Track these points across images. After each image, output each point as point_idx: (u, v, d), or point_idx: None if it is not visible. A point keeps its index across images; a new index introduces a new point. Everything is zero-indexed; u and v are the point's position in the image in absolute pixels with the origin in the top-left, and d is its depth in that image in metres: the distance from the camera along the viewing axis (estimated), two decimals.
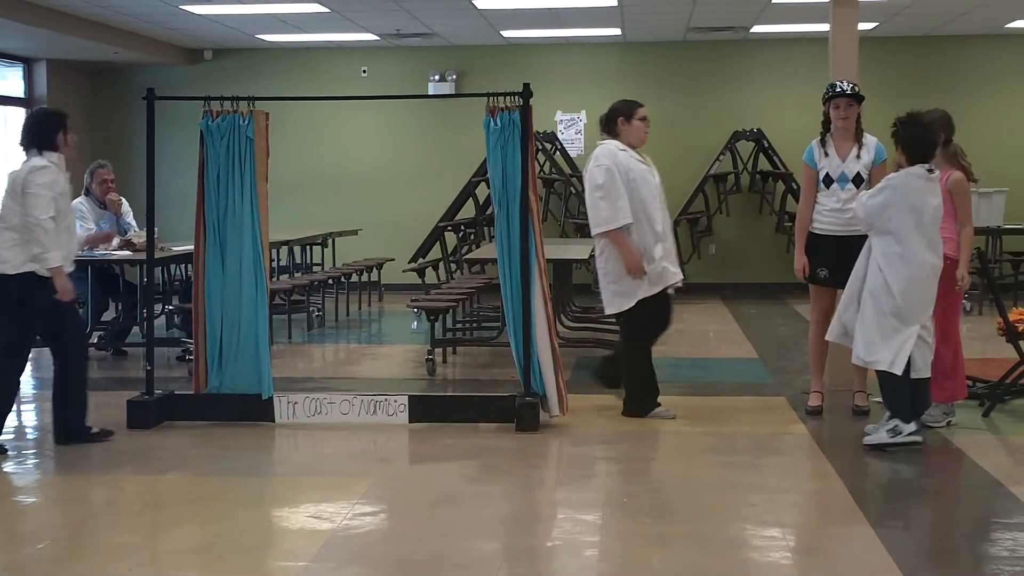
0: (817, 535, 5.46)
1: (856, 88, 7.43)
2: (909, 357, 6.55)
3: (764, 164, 15.09)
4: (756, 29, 14.48)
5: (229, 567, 4.88)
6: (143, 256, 8.47)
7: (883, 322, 6.58)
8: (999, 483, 6.06)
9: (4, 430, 6.89)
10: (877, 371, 6.69)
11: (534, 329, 7.14)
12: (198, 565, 4.91)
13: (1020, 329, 7.57)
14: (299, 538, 5.24)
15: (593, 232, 7.42)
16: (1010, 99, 15.13)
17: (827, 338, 7.12)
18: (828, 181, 7.47)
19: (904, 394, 6.63)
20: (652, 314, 7.48)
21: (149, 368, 7.50)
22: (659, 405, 7.55)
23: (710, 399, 7.88)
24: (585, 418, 7.54)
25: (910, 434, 6.58)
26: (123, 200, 10.48)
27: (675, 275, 7.48)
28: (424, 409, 7.38)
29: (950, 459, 6.60)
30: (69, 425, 6.93)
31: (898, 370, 6.55)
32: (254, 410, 7.39)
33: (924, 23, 14.25)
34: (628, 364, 7.61)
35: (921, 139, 6.62)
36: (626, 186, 7.28)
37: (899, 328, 6.54)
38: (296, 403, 7.38)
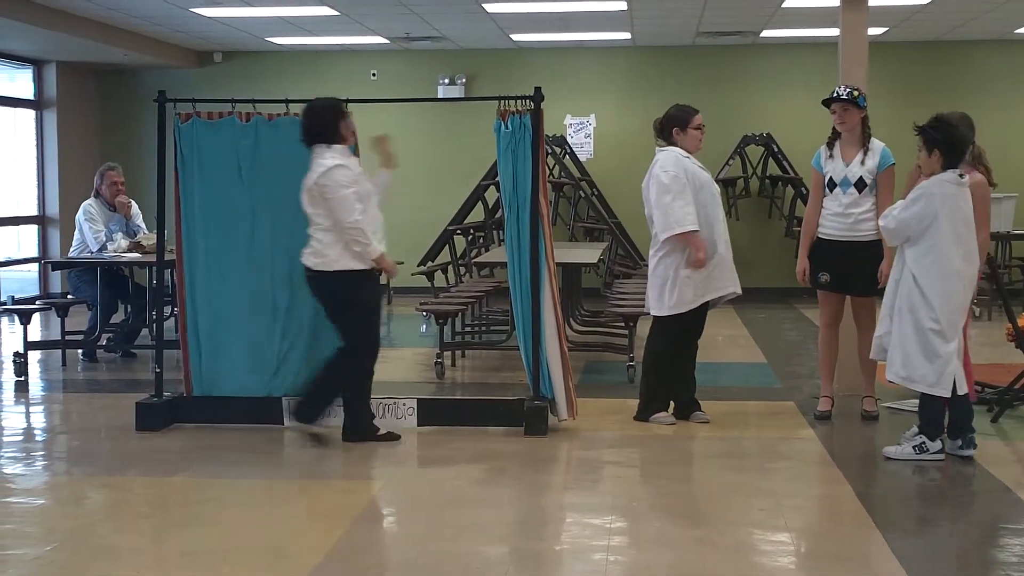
0: (825, 540, 5.44)
1: (855, 93, 7.39)
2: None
3: (773, 169, 15.07)
4: (766, 34, 14.47)
5: (237, 570, 4.89)
6: (152, 258, 8.49)
7: (922, 338, 6.42)
8: (1008, 489, 6.05)
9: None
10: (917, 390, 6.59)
11: (544, 333, 7.14)
12: (206, 568, 4.91)
13: None
14: (307, 541, 5.24)
15: (664, 235, 7.31)
16: (1020, 105, 15.09)
17: (872, 357, 6.99)
18: (831, 185, 7.45)
19: (941, 414, 6.55)
20: (687, 323, 7.48)
21: (158, 371, 7.51)
22: (663, 412, 7.54)
23: (719, 403, 7.87)
24: (594, 422, 7.54)
25: (935, 452, 6.53)
26: (132, 202, 10.51)
27: (724, 288, 7.45)
28: (433, 412, 7.39)
29: (959, 464, 6.57)
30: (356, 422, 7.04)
31: (945, 392, 6.45)
32: (263, 413, 7.39)
33: (934, 28, 14.23)
34: (646, 365, 7.61)
35: (957, 139, 6.51)
36: (692, 193, 7.28)
37: (941, 345, 6.40)
38: None
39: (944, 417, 6.57)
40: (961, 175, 6.49)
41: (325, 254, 6.78)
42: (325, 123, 6.90)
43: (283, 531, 5.43)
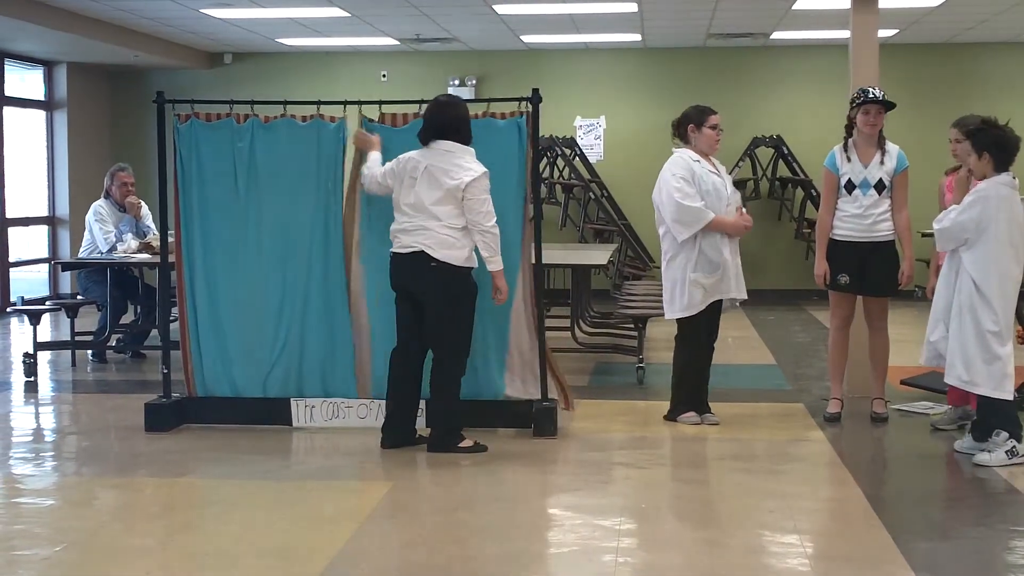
0: (835, 542, 5.44)
1: (885, 95, 7.40)
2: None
3: (783, 171, 15.05)
4: (776, 36, 14.45)
5: (245, 571, 4.89)
6: None
7: (984, 342, 6.42)
8: (1016, 490, 6.03)
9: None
10: (978, 394, 6.57)
11: (509, 330, 7.21)
12: (214, 569, 4.92)
13: None
14: (316, 543, 5.24)
15: (683, 236, 7.32)
16: None
17: (923, 363, 6.96)
18: (851, 187, 7.44)
19: (1014, 412, 6.54)
20: (704, 323, 7.49)
21: (166, 371, 7.53)
22: (691, 413, 7.54)
23: (729, 405, 7.86)
24: (603, 423, 7.54)
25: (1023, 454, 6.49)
26: (143, 203, 10.52)
27: (729, 292, 7.44)
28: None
29: (967, 466, 6.55)
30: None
31: (1008, 395, 6.45)
32: (271, 414, 7.40)
33: (944, 30, 14.20)
34: (676, 368, 7.63)
35: (1005, 140, 6.51)
36: (700, 195, 7.30)
37: (999, 348, 6.40)
38: (314, 407, 7.38)
39: (1016, 413, 6.54)
40: (1014, 177, 6.50)
41: (456, 248, 6.68)
42: (465, 121, 6.82)
43: (292, 533, 5.42)
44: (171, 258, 7.58)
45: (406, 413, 6.93)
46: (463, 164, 6.71)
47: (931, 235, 6.81)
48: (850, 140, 7.49)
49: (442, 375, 6.81)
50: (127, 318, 10.61)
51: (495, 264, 6.73)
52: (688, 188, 7.25)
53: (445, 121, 6.77)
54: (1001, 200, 6.42)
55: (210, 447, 7.04)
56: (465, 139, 6.78)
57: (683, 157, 7.40)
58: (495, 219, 6.68)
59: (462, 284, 6.75)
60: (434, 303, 6.75)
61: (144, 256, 9.85)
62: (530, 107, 7.23)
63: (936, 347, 6.70)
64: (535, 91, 7.22)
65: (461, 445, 6.80)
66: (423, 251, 6.67)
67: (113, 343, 10.27)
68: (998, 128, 6.55)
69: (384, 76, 15.82)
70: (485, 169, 6.69)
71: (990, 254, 6.42)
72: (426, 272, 6.69)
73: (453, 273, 6.69)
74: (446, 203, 6.67)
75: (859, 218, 7.42)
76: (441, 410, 6.84)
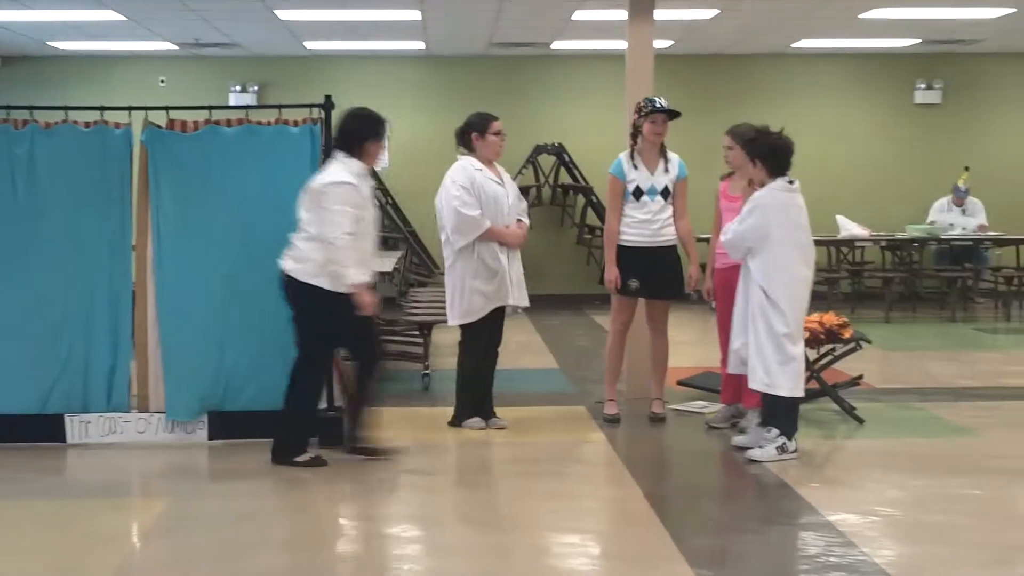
0: (615, 541, 5.57)
1: (670, 105, 7.60)
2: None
3: (565, 177, 15.33)
4: (556, 45, 14.72)
5: None
6: None
7: (777, 344, 6.60)
8: (787, 484, 6.28)
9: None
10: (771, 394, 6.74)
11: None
12: None
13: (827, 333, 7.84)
14: (93, 562, 5.08)
15: (460, 244, 7.36)
16: (796, 115, 15.71)
17: (730, 371, 7.10)
18: (638, 193, 7.61)
19: (796, 413, 6.76)
20: (486, 330, 7.55)
21: None
22: (476, 419, 7.61)
23: (513, 409, 7.95)
24: (389, 431, 7.51)
25: (793, 451, 6.72)
26: None
27: (509, 298, 7.51)
28: (224, 425, 7.23)
29: (736, 462, 6.80)
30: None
31: (800, 394, 6.68)
32: (44, 430, 7.12)
33: (716, 42, 14.74)
34: (459, 375, 7.66)
35: (776, 147, 6.71)
36: (480, 204, 7.34)
37: (792, 349, 6.61)
38: (89, 423, 7.15)
39: (796, 414, 6.78)
40: (791, 181, 6.71)
41: (304, 262, 6.48)
42: (356, 133, 6.62)
43: (67, 553, 5.24)
44: None
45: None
46: (333, 168, 6.56)
47: (707, 240, 7.02)
48: (635, 148, 7.67)
49: (289, 386, 6.73)
50: None
51: (349, 277, 6.42)
52: (467, 197, 7.32)
53: (338, 127, 6.72)
54: (779, 205, 6.65)
55: None
56: (351, 150, 6.61)
57: (465, 166, 7.47)
58: (344, 233, 6.39)
59: (310, 304, 6.56)
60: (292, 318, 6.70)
61: None
62: (323, 114, 7.17)
63: (739, 354, 6.89)
64: (328, 98, 7.17)
65: (298, 459, 6.65)
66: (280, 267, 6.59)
67: None
68: (771, 136, 6.78)
69: (163, 81, 15.44)
70: (352, 180, 6.48)
71: (774, 259, 6.63)
72: (283, 287, 6.63)
73: (299, 289, 6.55)
74: (307, 209, 6.54)
75: (646, 224, 7.61)
76: (283, 420, 6.73)
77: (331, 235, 6.39)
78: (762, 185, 6.75)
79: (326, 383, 7.11)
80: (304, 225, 6.54)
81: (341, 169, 6.54)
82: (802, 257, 6.71)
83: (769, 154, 6.71)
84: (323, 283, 6.47)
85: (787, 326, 6.61)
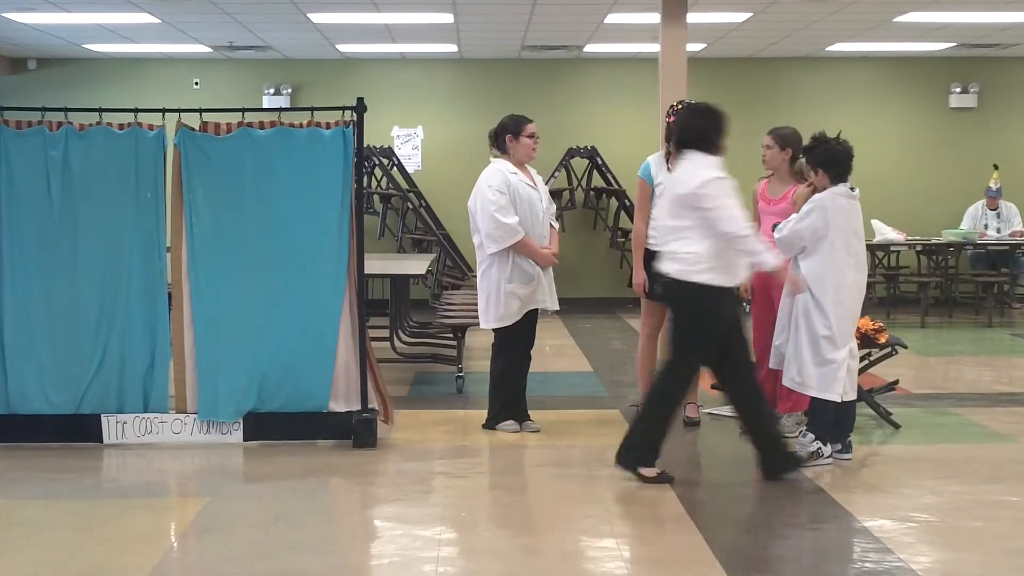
0: (650, 545, 5.55)
1: None
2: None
3: (598, 181, 15.32)
4: (589, 48, 14.71)
5: None
6: None
7: (816, 346, 6.59)
8: (822, 490, 6.26)
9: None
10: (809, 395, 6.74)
11: (338, 343, 7.18)
12: None
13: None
14: (127, 563, 5.10)
15: (492, 250, 7.38)
16: (831, 119, 15.60)
17: (771, 366, 7.08)
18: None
19: (830, 419, 6.71)
20: (520, 333, 7.55)
21: None
22: (510, 421, 7.63)
23: (547, 412, 7.96)
24: (424, 433, 7.55)
25: (827, 457, 6.69)
26: None
27: (543, 302, 7.53)
28: (260, 427, 7.26)
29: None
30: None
31: (836, 397, 6.62)
32: (79, 431, 7.17)
33: (749, 46, 14.69)
34: (493, 378, 7.68)
35: (834, 154, 6.69)
36: (515, 208, 7.36)
37: (831, 351, 6.58)
38: (126, 423, 7.19)
39: (833, 420, 6.74)
40: (852, 188, 6.70)
41: (686, 262, 6.31)
42: (712, 128, 6.46)
43: (102, 553, 5.27)
44: None
45: None
46: (695, 169, 6.36)
47: None
48: (669, 150, 7.64)
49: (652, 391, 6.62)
50: None
51: (767, 261, 6.39)
52: (503, 201, 7.32)
53: (687, 127, 6.58)
54: (838, 210, 6.63)
55: (13, 467, 6.77)
56: (708, 147, 6.40)
57: (500, 168, 7.47)
58: (743, 222, 6.29)
59: (698, 304, 6.39)
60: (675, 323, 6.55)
61: None
62: (355, 116, 7.20)
63: (780, 350, 6.92)
64: (360, 100, 7.19)
65: (644, 472, 6.41)
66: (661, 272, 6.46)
67: None
68: (829, 143, 6.76)
69: (197, 84, 15.53)
70: (720, 173, 6.29)
71: (826, 262, 6.61)
72: (667, 292, 6.50)
73: (686, 291, 6.37)
74: (677, 217, 6.38)
75: None
76: (639, 425, 6.56)
77: (732, 229, 6.25)
78: (813, 189, 6.77)
79: (363, 384, 7.15)
80: (682, 232, 6.34)
81: (706, 167, 6.34)
82: (855, 263, 6.69)
83: (831, 161, 6.70)
84: (711, 279, 6.30)
85: (829, 329, 6.58)
